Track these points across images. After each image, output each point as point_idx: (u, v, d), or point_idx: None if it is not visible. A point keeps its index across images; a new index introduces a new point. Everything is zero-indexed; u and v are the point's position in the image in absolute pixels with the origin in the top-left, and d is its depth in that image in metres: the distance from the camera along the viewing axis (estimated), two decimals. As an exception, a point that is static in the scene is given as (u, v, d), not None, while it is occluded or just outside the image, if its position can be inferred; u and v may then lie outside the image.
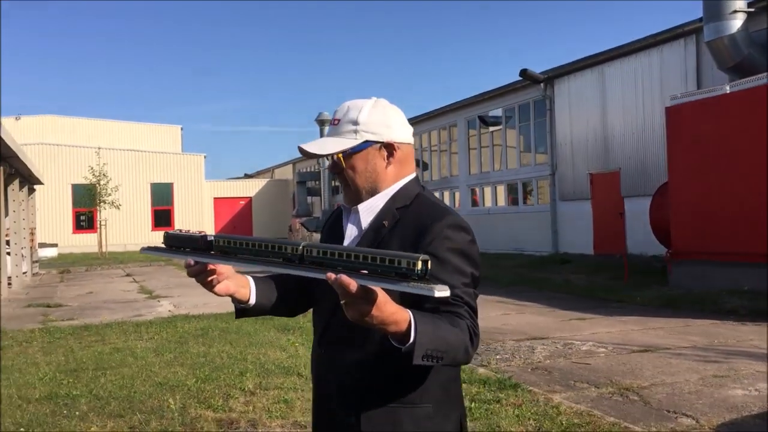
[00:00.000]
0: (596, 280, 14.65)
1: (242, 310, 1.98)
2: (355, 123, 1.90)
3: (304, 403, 5.41)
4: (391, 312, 1.55)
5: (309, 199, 38.32)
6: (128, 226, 38.78)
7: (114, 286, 18.72)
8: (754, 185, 11.06)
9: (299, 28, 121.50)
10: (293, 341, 8.21)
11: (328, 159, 1.96)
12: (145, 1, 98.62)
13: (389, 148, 1.92)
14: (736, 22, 13.54)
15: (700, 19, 15.42)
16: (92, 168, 33.35)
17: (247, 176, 55.01)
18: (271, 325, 9.30)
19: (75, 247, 36.84)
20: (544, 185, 22.10)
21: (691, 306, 10.87)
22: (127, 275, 22.27)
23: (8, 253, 17.75)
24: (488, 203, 25.16)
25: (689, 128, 12.33)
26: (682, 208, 12.49)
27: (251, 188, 44.62)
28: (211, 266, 1.81)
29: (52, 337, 9.25)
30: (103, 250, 32.81)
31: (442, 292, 1.43)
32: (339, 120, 1.92)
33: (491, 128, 24.52)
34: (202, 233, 1.86)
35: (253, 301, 1.95)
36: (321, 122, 34.74)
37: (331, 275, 1.48)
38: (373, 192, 1.92)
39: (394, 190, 1.93)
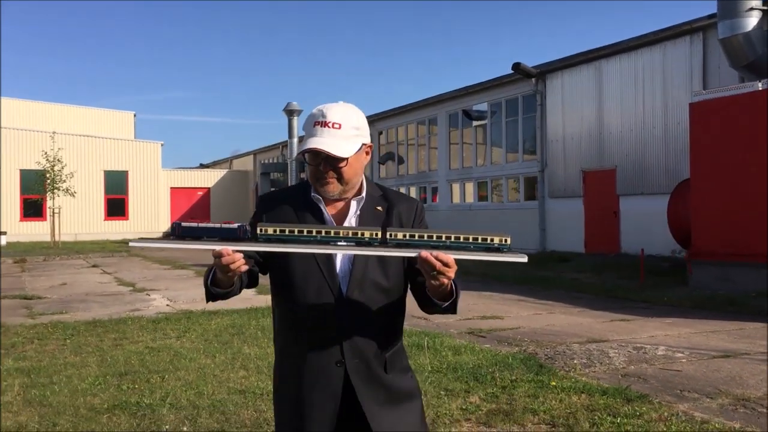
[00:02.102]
0: (607, 280, 14.35)
1: (224, 294, 2.15)
2: (357, 128, 2.21)
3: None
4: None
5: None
6: (80, 215, 36.98)
7: (85, 277, 17.54)
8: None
9: (255, 19, 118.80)
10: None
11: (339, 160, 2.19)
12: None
13: (368, 148, 2.29)
14: (752, 20, 13.40)
15: (709, 17, 15.33)
16: (46, 153, 31.57)
17: (202, 166, 53.40)
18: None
19: (23, 236, 34.92)
20: (532, 182, 21.82)
21: (723, 308, 10.60)
22: (93, 266, 21.02)
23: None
24: (470, 199, 24.75)
25: (716, 125, 12.10)
26: (704, 208, 12.26)
27: (210, 179, 43.23)
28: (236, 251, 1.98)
29: (65, 334, 8.30)
30: (56, 239, 31.14)
31: (524, 258, 1.96)
32: (341, 125, 2.17)
33: (475, 123, 24.10)
34: (235, 223, 2.01)
35: (237, 284, 2.17)
36: (290, 112, 33.86)
37: (425, 252, 1.93)
38: (355, 185, 2.26)
39: (364, 182, 2.30)
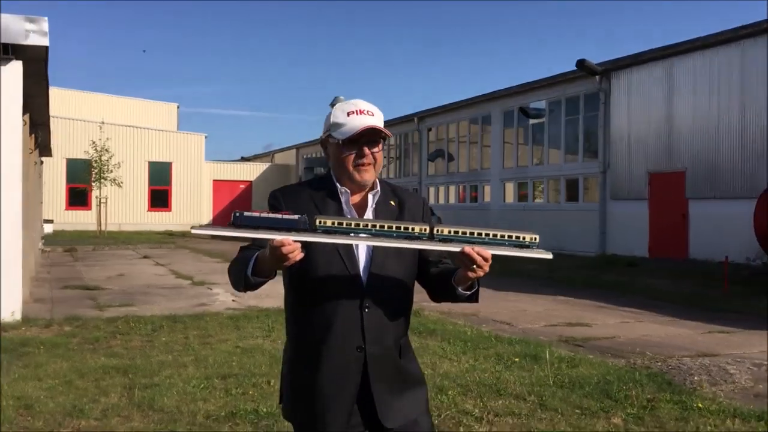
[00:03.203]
0: (684, 287, 13.70)
1: (261, 283, 2.20)
2: (382, 121, 2.36)
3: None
4: None
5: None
6: (124, 205, 37.10)
7: (140, 269, 17.40)
8: None
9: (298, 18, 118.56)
10: (448, 349, 7.09)
11: (383, 140, 2.38)
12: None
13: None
14: None
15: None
16: (94, 142, 31.66)
17: (243, 159, 53.41)
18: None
19: (68, 224, 35.08)
20: (592, 183, 21.18)
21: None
22: (145, 257, 20.91)
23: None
24: (524, 199, 24.15)
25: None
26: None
27: (252, 172, 43.14)
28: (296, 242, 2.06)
29: (146, 329, 8.01)
30: (102, 228, 31.24)
31: (549, 255, 2.19)
32: (374, 113, 2.33)
33: (532, 121, 23.49)
34: (291, 214, 2.09)
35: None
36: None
37: (468, 248, 2.12)
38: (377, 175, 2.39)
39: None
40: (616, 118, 19.80)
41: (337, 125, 2.31)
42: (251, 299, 11.33)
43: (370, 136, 2.29)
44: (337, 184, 2.34)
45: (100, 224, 31.25)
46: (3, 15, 8.18)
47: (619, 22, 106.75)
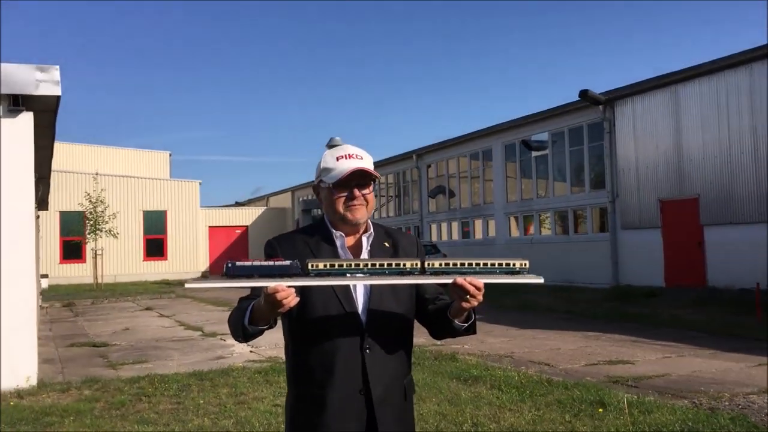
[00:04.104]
0: (714, 316, 13.31)
1: (260, 332, 2.24)
2: (372, 164, 2.43)
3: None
4: None
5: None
6: (119, 256, 36.49)
7: (145, 321, 16.84)
8: None
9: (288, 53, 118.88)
10: (504, 398, 6.62)
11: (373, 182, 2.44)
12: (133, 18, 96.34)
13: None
14: None
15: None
16: (89, 194, 31.19)
17: (238, 204, 53.00)
18: (446, 373, 7.70)
19: (63, 278, 34.43)
20: (600, 213, 20.89)
21: None
22: (147, 309, 20.35)
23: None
24: (530, 232, 23.84)
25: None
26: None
27: (248, 217, 42.68)
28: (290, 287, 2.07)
29: (172, 389, 7.50)
30: (99, 281, 30.61)
31: (540, 279, 2.20)
32: (362, 157, 2.40)
33: (534, 153, 23.30)
34: (286, 261, 2.13)
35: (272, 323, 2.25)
36: (333, 147, 33.29)
37: (460, 279, 2.13)
38: (370, 216, 2.44)
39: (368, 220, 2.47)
40: (622, 146, 19.61)
41: (327, 170, 2.38)
42: (270, 350, 10.84)
43: (359, 179, 2.35)
44: (332, 229, 2.39)
45: (96, 277, 30.62)
46: (12, 65, 7.84)
47: (610, 54, 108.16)
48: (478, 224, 26.66)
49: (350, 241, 2.40)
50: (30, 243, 7.91)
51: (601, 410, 6.03)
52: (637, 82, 19.05)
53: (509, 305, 16.92)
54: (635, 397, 6.61)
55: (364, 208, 2.37)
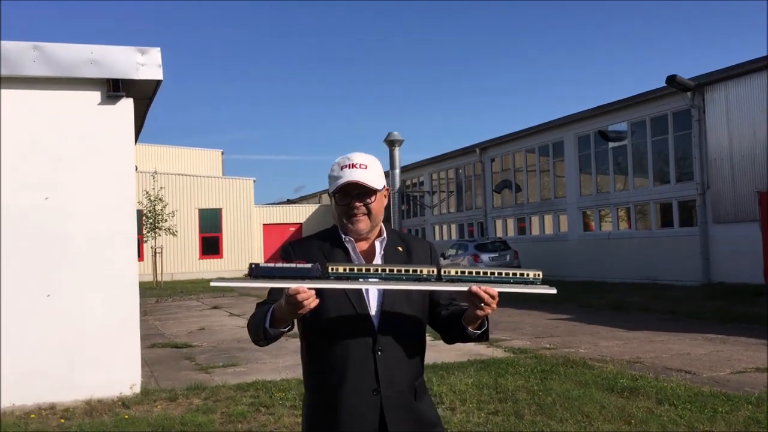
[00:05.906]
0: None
1: (280, 334, 2.28)
2: (379, 170, 2.40)
3: None
4: None
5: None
6: (176, 255, 36.39)
7: (218, 320, 16.38)
8: None
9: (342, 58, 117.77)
10: (688, 416, 5.78)
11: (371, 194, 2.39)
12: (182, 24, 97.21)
13: (386, 191, 2.48)
14: None
15: None
16: (148, 192, 31.05)
17: (289, 202, 52.74)
18: (591, 383, 6.88)
19: (121, 277, 34.39)
20: (687, 206, 19.74)
21: None
22: (214, 307, 19.92)
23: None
24: (607, 227, 22.76)
25: None
26: None
27: (302, 214, 42.29)
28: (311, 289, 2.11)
29: (287, 397, 6.83)
30: (158, 279, 30.51)
31: (553, 290, 2.23)
32: (367, 166, 2.37)
33: (612, 144, 22.21)
34: (305, 263, 2.17)
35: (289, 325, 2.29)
36: (391, 143, 32.49)
37: (475, 287, 2.16)
38: (379, 223, 2.43)
39: (382, 225, 2.47)
40: (713, 135, 18.44)
41: (332, 178, 2.39)
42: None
43: (359, 189, 2.34)
44: (342, 234, 2.41)
45: (156, 275, 30.49)
46: (113, 47, 7.25)
47: (693, 40, 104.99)
48: (548, 220, 25.65)
49: (363, 245, 2.41)
50: (132, 240, 7.33)
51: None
52: (730, 66, 17.87)
53: (597, 304, 15.99)
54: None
55: (366, 219, 2.37)
